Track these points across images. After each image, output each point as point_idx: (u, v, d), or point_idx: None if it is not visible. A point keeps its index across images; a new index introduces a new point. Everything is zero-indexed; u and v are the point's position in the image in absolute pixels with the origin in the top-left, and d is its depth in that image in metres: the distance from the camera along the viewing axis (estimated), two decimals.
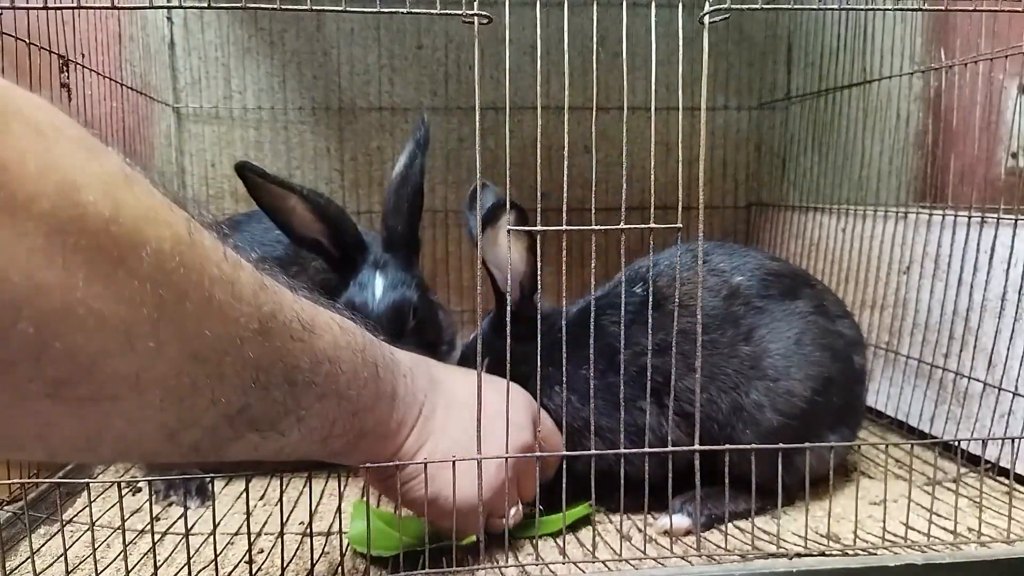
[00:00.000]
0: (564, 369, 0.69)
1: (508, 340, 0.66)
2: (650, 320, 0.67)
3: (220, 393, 0.41)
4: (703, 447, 0.66)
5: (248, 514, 0.66)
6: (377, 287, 0.83)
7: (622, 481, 0.66)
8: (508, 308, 0.68)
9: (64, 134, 0.33)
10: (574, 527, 0.74)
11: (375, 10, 0.64)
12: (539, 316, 0.65)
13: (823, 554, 0.67)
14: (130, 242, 0.34)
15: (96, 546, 0.67)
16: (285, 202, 0.80)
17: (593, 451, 0.66)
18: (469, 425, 0.62)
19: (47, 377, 0.32)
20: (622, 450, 0.66)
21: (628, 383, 0.69)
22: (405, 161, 0.86)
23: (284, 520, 0.75)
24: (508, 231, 0.66)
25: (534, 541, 0.71)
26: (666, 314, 0.72)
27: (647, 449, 0.67)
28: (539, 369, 0.66)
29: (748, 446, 0.69)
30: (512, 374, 0.65)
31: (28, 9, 0.77)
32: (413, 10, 0.64)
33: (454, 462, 0.62)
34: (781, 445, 0.68)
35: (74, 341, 0.32)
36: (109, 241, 0.33)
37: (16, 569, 0.67)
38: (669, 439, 0.73)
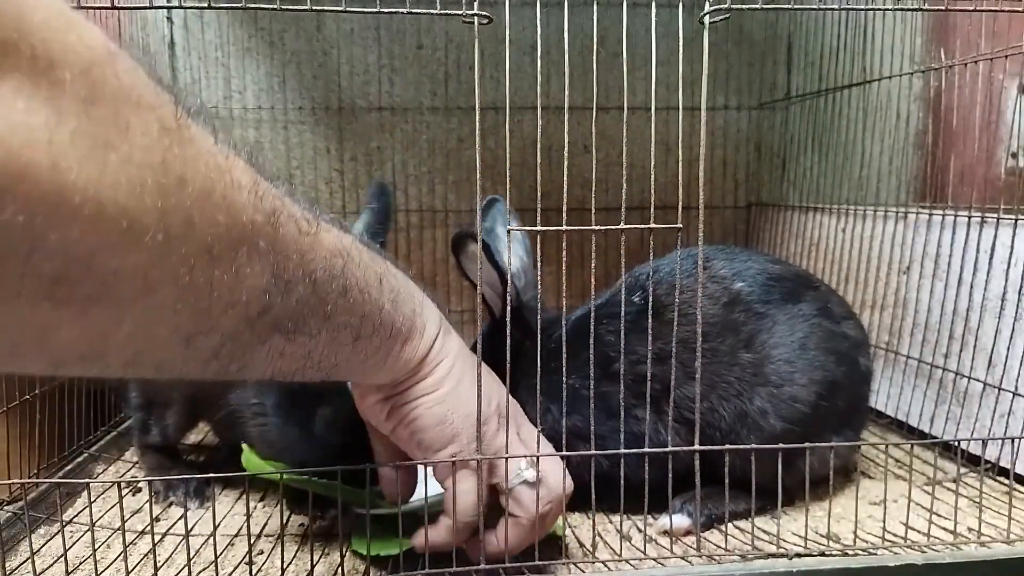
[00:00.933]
0: (563, 379, 0.67)
1: (507, 350, 0.65)
2: (649, 329, 0.66)
3: (239, 293, 0.38)
4: (703, 447, 0.66)
5: (248, 515, 0.66)
6: None
7: (622, 481, 0.66)
8: (509, 312, 0.68)
9: (41, 4, 0.29)
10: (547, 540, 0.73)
11: (375, 10, 0.64)
12: (539, 322, 0.65)
13: (823, 554, 0.68)
14: (115, 124, 0.31)
15: (96, 547, 0.67)
16: None
17: (593, 451, 0.66)
18: (470, 380, 0.60)
19: (42, 274, 0.29)
20: (622, 450, 0.66)
21: (626, 392, 0.68)
22: (364, 232, 0.77)
23: (284, 522, 0.75)
24: (508, 231, 0.66)
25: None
26: (665, 322, 0.72)
27: (647, 449, 0.67)
28: (539, 379, 0.65)
29: (748, 446, 0.69)
30: (509, 382, 0.64)
31: None
32: (413, 10, 0.64)
33: (454, 462, 0.61)
34: (781, 445, 0.68)
35: (70, 233, 0.29)
36: (91, 123, 0.30)
37: (16, 569, 0.67)
38: (668, 441, 0.73)
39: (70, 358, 0.35)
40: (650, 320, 0.67)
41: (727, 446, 0.68)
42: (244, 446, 0.75)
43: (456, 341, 0.62)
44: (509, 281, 0.67)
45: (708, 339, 0.76)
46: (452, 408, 0.60)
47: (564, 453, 0.68)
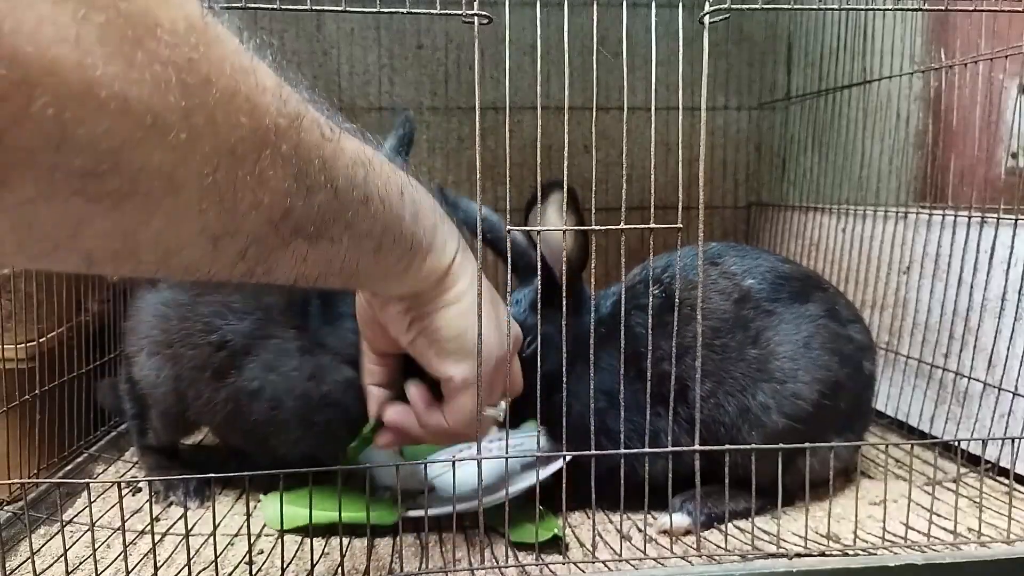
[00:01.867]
0: (592, 365, 0.68)
1: (564, 313, 0.67)
2: (675, 324, 0.67)
3: (262, 195, 0.39)
4: (703, 447, 0.66)
5: (248, 515, 0.67)
6: None
7: (622, 481, 0.66)
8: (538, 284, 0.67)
9: None
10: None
11: (375, 10, 0.64)
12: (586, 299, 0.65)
13: (823, 554, 0.68)
14: (143, 21, 0.31)
15: (96, 546, 0.67)
16: None
17: (593, 451, 0.66)
18: (489, 296, 0.62)
19: (72, 168, 0.30)
20: (622, 450, 0.66)
21: (641, 387, 0.69)
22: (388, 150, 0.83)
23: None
24: (507, 231, 0.66)
25: (534, 542, 0.71)
26: (680, 318, 0.71)
27: (647, 449, 0.67)
28: (592, 348, 0.66)
29: (749, 446, 0.69)
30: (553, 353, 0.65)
31: None
32: (413, 10, 0.64)
33: (453, 462, 0.62)
34: (781, 445, 0.68)
35: (97, 127, 0.30)
36: (120, 17, 0.30)
37: (16, 569, 0.67)
38: (669, 440, 0.73)
39: (103, 254, 0.35)
40: (675, 318, 0.68)
41: (727, 446, 0.68)
42: (263, 497, 0.75)
43: (472, 262, 0.63)
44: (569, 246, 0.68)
45: (720, 335, 0.77)
46: (471, 323, 0.61)
47: (565, 453, 0.68)
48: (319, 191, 0.43)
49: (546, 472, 0.74)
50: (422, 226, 0.55)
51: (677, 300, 0.72)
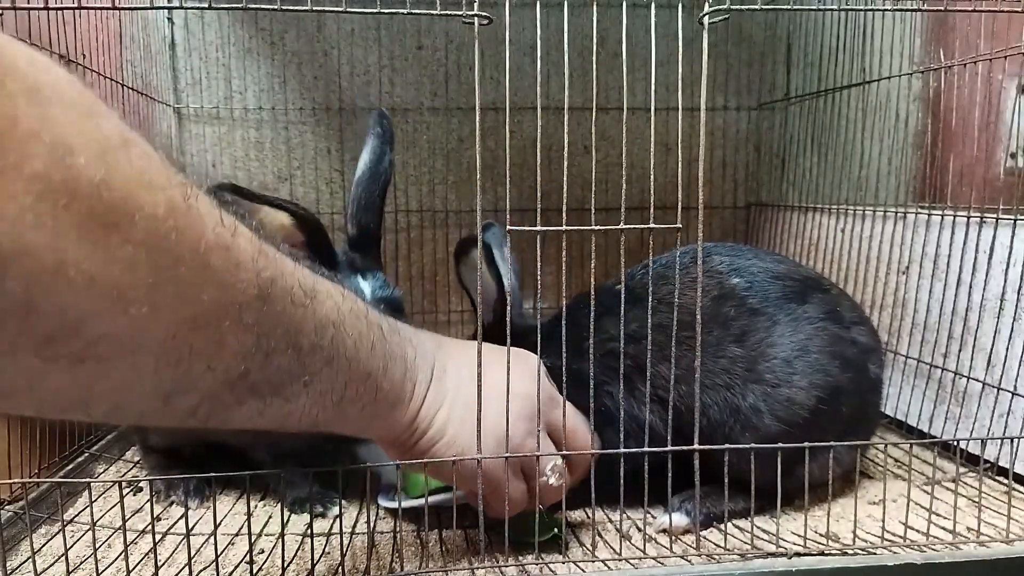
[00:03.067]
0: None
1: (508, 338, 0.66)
2: (622, 313, 0.67)
3: (218, 359, 0.41)
4: (703, 447, 0.66)
5: (249, 515, 0.67)
6: (366, 289, 0.83)
7: (622, 481, 0.66)
8: (509, 317, 0.68)
9: (62, 94, 0.33)
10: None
11: (375, 11, 0.64)
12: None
13: (822, 553, 0.68)
14: (123, 207, 0.34)
15: (97, 546, 0.67)
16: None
17: (593, 450, 0.66)
18: (482, 384, 0.62)
19: (37, 333, 0.32)
20: (622, 450, 0.66)
21: (601, 369, 0.70)
22: (372, 157, 0.84)
23: (285, 521, 0.76)
24: (507, 231, 0.66)
25: (534, 542, 0.71)
26: (645, 310, 0.70)
27: (647, 449, 0.67)
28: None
29: (748, 446, 0.69)
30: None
31: (28, 9, 0.77)
32: (413, 11, 0.64)
33: (454, 461, 0.62)
34: (781, 445, 0.68)
35: (63, 300, 0.32)
36: (101, 205, 0.33)
37: (17, 569, 0.67)
38: (647, 422, 0.72)
39: (57, 406, 0.39)
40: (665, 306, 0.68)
41: (727, 445, 0.68)
42: (406, 474, 0.76)
43: (454, 370, 0.63)
44: (510, 283, 0.68)
45: (692, 328, 0.75)
46: (467, 441, 0.62)
47: (564, 453, 0.68)
48: (280, 356, 0.45)
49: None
50: (389, 379, 0.57)
51: (652, 291, 0.72)
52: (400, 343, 0.59)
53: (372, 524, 0.76)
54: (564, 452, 0.68)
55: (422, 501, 0.68)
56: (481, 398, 0.61)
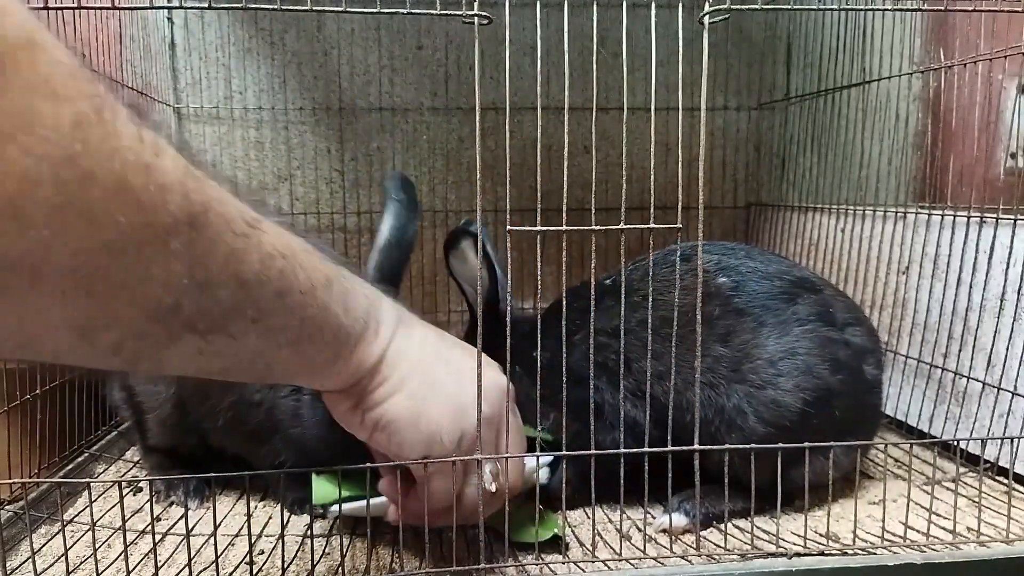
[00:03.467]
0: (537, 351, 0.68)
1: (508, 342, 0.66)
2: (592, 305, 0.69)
3: (141, 290, 0.38)
4: (703, 447, 0.66)
5: (249, 515, 0.67)
6: None
7: (622, 480, 0.66)
8: (508, 313, 0.68)
9: None
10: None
11: (375, 10, 0.64)
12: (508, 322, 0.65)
13: (822, 553, 0.68)
14: (22, 117, 0.31)
15: (97, 546, 0.67)
16: None
17: (593, 451, 0.66)
18: (445, 371, 0.60)
19: None
20: (622, 450, 0.66)
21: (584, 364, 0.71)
22: (396, 224, 0.81)
23: (285, 521, 0.76)
24: (507, 230, 0.66)
25: (534, 543, 0.71)
26: (629, 304, 0.70)
27: (647, 449, 0.67)
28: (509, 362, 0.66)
29: (748, 446, 0.69)
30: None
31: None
32: (413, 10, 0.64)
33: (454, 461, 0.62)
34: (780, 446, 0.68)
35: None
36: None
37: (17, 569, 0.67)
38: (621, 416, 0.71)
39: None
40: (591, 298, 0.67)
41: (727, 446, 0.68)
42: (314, 475, 0.75)
43: (421, 335, 0.60)
44: (503, 280, 0.68)
45: (668, 325, 0.72)
46: (424, 405, 0.59)
47: (564, 453, 0.68)
48: (219, 288, 0.42)
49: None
50: (351, 316, 0.53)
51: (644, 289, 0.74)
52: (361, 284, 0.56)
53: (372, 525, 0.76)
54: (564, 453, 0.68)
55: (349, 506, 0.67)
56: (481, 398, 0.61)
